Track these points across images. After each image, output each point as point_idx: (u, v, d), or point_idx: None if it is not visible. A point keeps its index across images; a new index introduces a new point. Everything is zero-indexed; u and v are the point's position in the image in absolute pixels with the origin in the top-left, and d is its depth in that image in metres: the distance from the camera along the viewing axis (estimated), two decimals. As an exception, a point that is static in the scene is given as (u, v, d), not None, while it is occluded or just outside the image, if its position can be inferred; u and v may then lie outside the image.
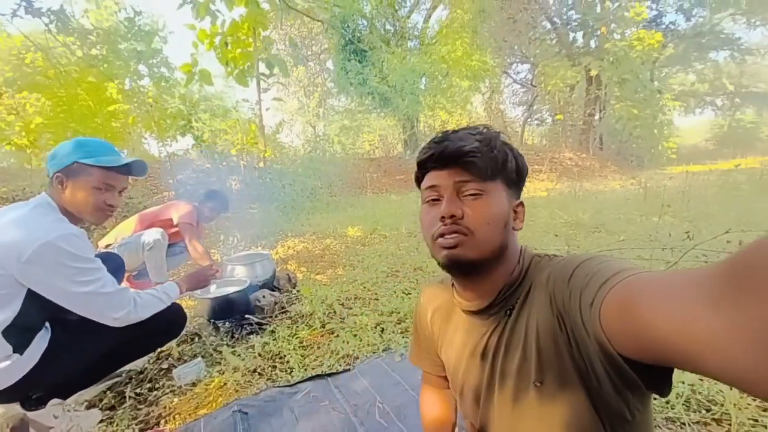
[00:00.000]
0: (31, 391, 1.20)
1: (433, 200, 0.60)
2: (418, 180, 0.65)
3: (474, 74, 11.10)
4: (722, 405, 1.17)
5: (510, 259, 0.60)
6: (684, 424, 1.13)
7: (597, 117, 14.46)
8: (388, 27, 11.42)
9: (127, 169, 1.29)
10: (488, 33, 12.92)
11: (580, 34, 14.30)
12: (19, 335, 1.13)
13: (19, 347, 1.13)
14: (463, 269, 0.59)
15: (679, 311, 0.31)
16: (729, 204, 4.56)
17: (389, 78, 9.95)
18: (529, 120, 17.48)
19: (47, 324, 1.24)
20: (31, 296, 1.11)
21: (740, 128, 19.31)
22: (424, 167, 0.62)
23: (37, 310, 1.15)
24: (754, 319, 0.25)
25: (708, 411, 1.18)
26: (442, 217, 0.56)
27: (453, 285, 0.68)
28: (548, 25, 14.57)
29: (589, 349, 0.45)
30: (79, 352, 1.28)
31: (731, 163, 9.20)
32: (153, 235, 2.21)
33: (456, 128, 0.63)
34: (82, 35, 6.37)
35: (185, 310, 1.58)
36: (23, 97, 5.68)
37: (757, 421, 1.11)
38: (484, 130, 0.61)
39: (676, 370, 0.40)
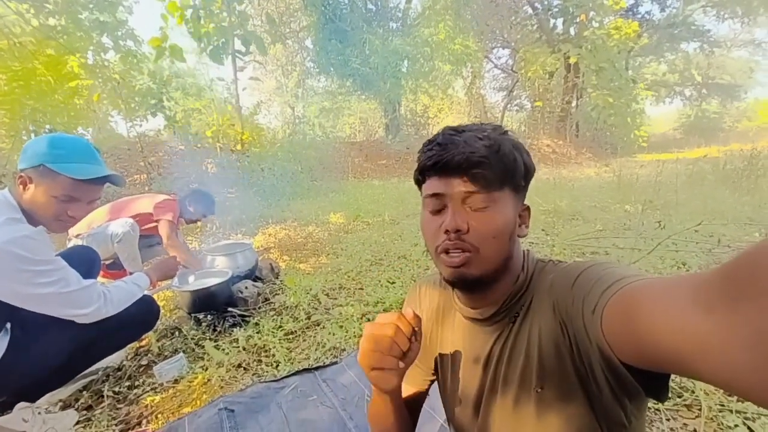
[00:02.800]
0: None
1: (437, 210, 0.57)
2: (418, 182, 0.61)
3: (456, 58, 11.01)
4: (693, 392, 1.25)
5: (515, 267, 0.59)
6: (658, 410, 1.20)
7: (574, 104, 14.72)
8: (369, 6, 11.08)
9: (101, 180, 1.20)
10: (470, 15, 12.77)
11: (560, 21, 14.33)
12: None
13: None
14: (468, 286, 0.57)
15: (674, 316, 0.31)
16: (696, 193, 4.79)
17: (371, 60, 9.71)
18: (509, 106, 17.60)
19: (6, 326, 1.17)
20: None
21: (705, 118, 20.15)
22: (426, 172, 0.58)
23: None
24: (746, 324, 0.25)
25: (680, 397, 1.25)
26: (447, 231, 0.54)
27: (453, 290, 0.67)
28: (529, 10, 14.51)
29: (591, 355, 0.46)
30: (43, 353, 1.21)
31: (697, 152, 9.64)
32: (122, 226, 2.12)
33: (460, 126, 0.58)
34: (38, 2, 5.81)
35: (165, 303, 1.53)
36: (-29, 69, 5.19)
37: (723, 405, 1.19)
38: (492, 133, 0.56)
39: None
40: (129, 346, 1.78)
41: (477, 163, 0.53)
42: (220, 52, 6.92)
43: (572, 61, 12.58)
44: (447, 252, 0.55)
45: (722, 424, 1.13)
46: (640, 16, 15.53)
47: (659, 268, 2.37)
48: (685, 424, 1.16)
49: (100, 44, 7.17)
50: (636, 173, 6.30)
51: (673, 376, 1.27)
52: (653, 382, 0.43)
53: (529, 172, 0.59)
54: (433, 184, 0.57)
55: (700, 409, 1.18)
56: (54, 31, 5.96)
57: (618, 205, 4.48)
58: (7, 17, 5.56)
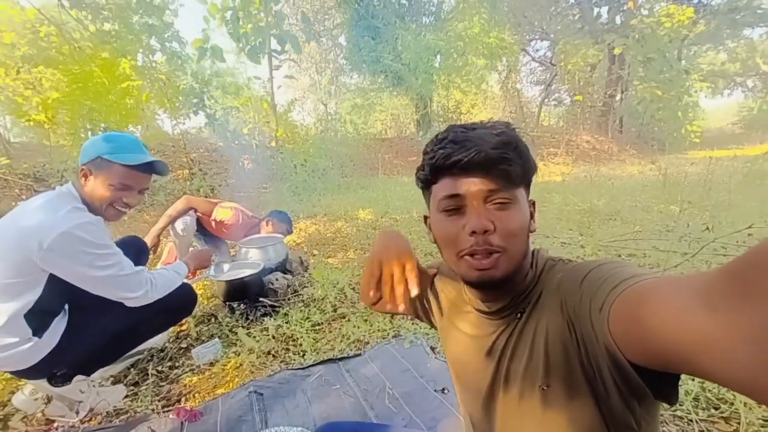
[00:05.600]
0: (55, 369, 1.27)
1: (453, 210, 0.55)
2: (427, 181, 0.59)
3: (491, 52, 10.68)
4: (732, 404, 1.17)
5: (525, 264, 0.59)
6: (691, 421, 1.14)
7: (618, 98, 13.90)
8: (402, 1, 11.00)
9: (149, 168, 1.33)
10: (507, 8, 12.35)
11: (605, 9, 13.54)
12: (38, 319, 1.19)
13: (39, 330, 1.20)
14: (493, 287, 0.57)
15: (679, 314, 0.32)
16: (753, 193, 4.39)
17: (403, 55, 9.66)
18: (546, 100, 16.90)
19: (65, 307, 1.30)
20: (52, 281, 1.17)
21: (771, 111, 18.35)
22: (439, 170, 0.56)
23: (57, 294, 1.21)
24: (750, 322, 0.26)
25: (717, 409, 1.18)
26: (473, 232, 0.52)
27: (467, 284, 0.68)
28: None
29: (598, 354, 0.46)
30: (97, 333, 1.35)
31: (758, 149, 8.80)
32: (183, 221, 2.41)
33: (467, 124, 0.57)
34: (95, 10, 6.30)
35: (203, 291, 1.64)
36: (39, 72, 5.71)
37: (767, 420, 1.11)
38: (502, 126, 0.56)
39: None
40: (170, 329, 1.92)
41: (500, 160, 0.52)
42: (257, 52, 7.18)
43: (617, 52, 11.85)
44: (473, 255, 0.54)
45: (764, 440, 1.06)
46: (696, 1, 14.34)
47: (704, 274, 2.22)
48: (721, 438, 1.10)
49: (148, 46, 7.66)
50: (685, 171, 5.86)
51: (709, 388, 1.20)
52: (661, 384, 0.43)
53: (536, 169, 0.59)
54: (449, 184, 0.55)
55: (738, 422, 1.11)
56: (108, 35, 6.43)
57: (662, 205, 4.21)
58: (69, 23, 6.07)
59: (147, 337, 1.59)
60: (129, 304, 1.31)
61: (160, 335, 1.73)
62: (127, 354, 1.61)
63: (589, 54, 12.50)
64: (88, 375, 1.41)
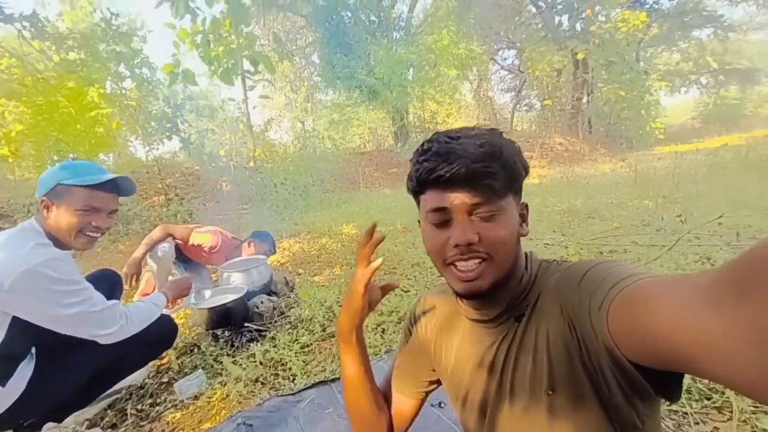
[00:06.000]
0: (22, 420, 1.18)
1: (441, 223, 0.55)
2: (415, 192, 0.60)
3: (461, 63, 11.02)
4: (723, 393, 1.19)
5: (518, 268, 0.59)
6: (686, 413, 1.15)
7: (585, 100, 14.47)
8: (372, 18, 11.25)
9: (114, 188, 1.27)
10: (473, 20, 12.79)
11: (565, 18, 14.22)
12: (1, 365, 1.11)
13: (2, 378, 1.11)
14: (481, 298, 0.57)
15: (679, 313, 0.32)
16: (718, 184, 4.62)
17: (376, 70, 9.83)
18: (518, 106, 17.45)
19: (32, 350, 1.22)
20: (16, 323, 1.09)
21: (725, 105, 19.44)
22: (425, 183, 0.56)
23: (22, 337, 1.13)
24: (750, 321, 0.26)
25: (709, 399, 1.20)
26: (457, 245, 0.53)
27: (457, 296, 0.66)
28: (533, 9, 14.46)
29: (599, 354, 0.45)
30: (68, 376, 1.26)
31: (717, 141, 9.31)
32: (161, 249, 2.33)
33: (451, 130, 0.56)
34: (59, 40, 6.16)
35: (185, 320, 1.57)
36: (1, 105, 5.51)
37: (757, 407, 1.13)
38: (490, 137, 0.54)
39: None
40: (150, 364, 1.83)
41: (483, 175, 0.51)
42: (230, 74, 7.15)
43: (580, 57, 12.43)
44: (456, 264, 0.54)
45: (756, 426, 1.08)
46: (648, 6, 15.19)
47: (682, 265, 2.29)
48: (716, 427, 1.11)
49: (117, 74, 7.53)
50: (653, 167, 6.13)
51: (700, 379, 1.22)
52: (663, 381, 0.43)
53: (526, 173, 0.59)
54: (434, 198, 0.55)
55: (731, 412, 1.12)
56: (74, 64, 6.28)
57: (636, 200, 4.36)
58: (32, 55, 5.90)
59: (124, 375, 1.50)
60: (103, 341, 1.23)
61: (138, 371, 1.63)
62: (102, 395, 1.51)
63: (555, 60, 13.06)
64: (60, 421, 1.31)
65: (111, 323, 1.23)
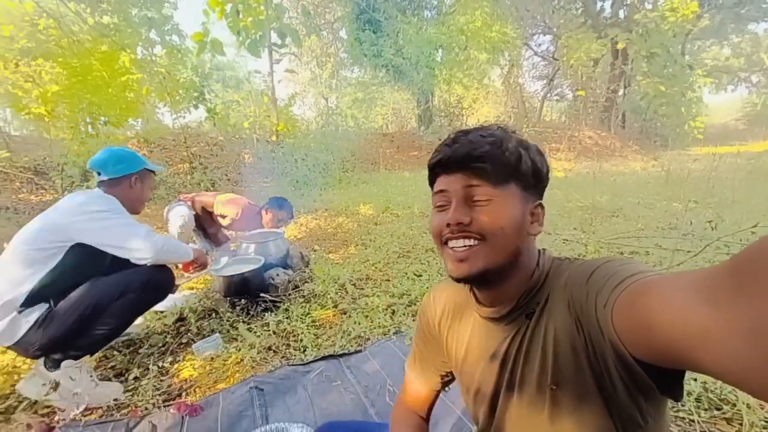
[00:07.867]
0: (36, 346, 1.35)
1: (442, 206, 0.59)
2: (431, 183, 0.64)
3: (493, 46, 10.58)
4: (734, 405, 1.17)
5: (527, 265, 0.59)
6: (693, 421, 1.14)
7: (621, 93, 13.81)
8: (404, -6, 10.90)
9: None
10: (509, 1, 12.22)
11: (608, 3, 13.44)
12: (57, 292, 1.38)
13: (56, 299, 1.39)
14: (474, 281, 0.58)
15: (679, 308, 0.32)
16: (757, 191, 4.37)
17: (405, 49, 9.59)
18: (548, 95, 16.80)
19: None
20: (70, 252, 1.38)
21: (775, 107, 18.24)
22: (434, 171, 0.61)
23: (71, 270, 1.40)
24: (748, 316, 0.26)
25: (719, 410, 1.18)
26: (448, 224, 0.55)
27: (471, 288, 0.67)
28: (575, -7, 13.71)
29: (605, 351, 0.46)
30: (73, 306, 1.41)
31: (762, 145, 8.75)
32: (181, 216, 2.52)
33: (470, 128, 0.61)
34: (93, 2, 6.24)
35: (204, 285, 1.64)
36: (38, 65, 5.67)
37: (769, 422, 1.11)
38: (497, 131, 0.58)
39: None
40: (171, 323, 1.93)
41: (478, 158, 0.55)
42: (257, 45, 7.10)
43: (620, 46, 11.77)
44: (449, 243, 0.56)
45: (766, 440, 1.06)
46: (700, -6, 14.16)
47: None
48: (723, 438, 1.10)
49: (148, 40, 7.61)
50: (688, 168, 5.83)
51: (711, 389, 1.20)
52: (667, 379, 0.44)
53: (539, 170, 0.59)
54: (439, 182, 0.60)
55: (740, 424, 1.10)
56: (107, 28, 6.37)
57: (665, 202, 4.19)
58: (67, 16, 6.01)
59: (122, 316, 1.51)
60: (142, 257, 1.45)
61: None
62: (100, 333, 1.50)
63: (592, 49, 12.38)
64: (75, 358, 1.41)
65: (151, 241, 1.46)
